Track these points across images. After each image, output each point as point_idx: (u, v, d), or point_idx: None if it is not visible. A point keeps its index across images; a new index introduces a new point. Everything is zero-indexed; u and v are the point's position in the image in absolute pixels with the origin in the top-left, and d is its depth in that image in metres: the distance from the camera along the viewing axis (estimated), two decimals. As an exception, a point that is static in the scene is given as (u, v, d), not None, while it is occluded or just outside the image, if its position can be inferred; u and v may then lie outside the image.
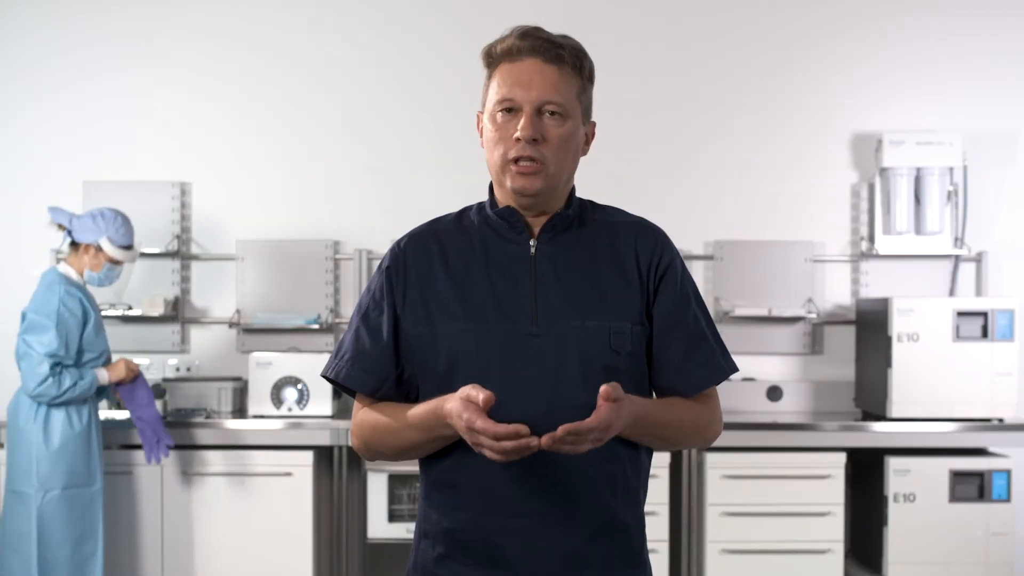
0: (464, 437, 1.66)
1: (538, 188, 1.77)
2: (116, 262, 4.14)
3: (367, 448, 1.84)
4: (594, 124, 1.88)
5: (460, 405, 1.64)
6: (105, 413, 4.28)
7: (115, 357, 4.25)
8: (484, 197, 1.88)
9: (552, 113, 1.76)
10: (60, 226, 4.11)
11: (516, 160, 1.76)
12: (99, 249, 4.09)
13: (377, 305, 1.83)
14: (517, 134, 1.75)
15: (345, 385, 1.84)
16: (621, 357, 1.77)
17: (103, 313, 4.52)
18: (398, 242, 1.88)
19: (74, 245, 4.11)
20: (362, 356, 1.82)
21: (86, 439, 3.97)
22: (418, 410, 1.75)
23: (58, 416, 3.93)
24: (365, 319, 1.84)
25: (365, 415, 1.82)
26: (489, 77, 1.82)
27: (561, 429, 1.59)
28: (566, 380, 1.71)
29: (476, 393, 1.62)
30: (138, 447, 4.27)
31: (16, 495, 3.94)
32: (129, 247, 4.16)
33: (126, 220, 4.18)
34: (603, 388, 1.62)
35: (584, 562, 1.75)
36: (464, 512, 1.76)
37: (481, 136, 1.84)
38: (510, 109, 1.77)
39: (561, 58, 1.78)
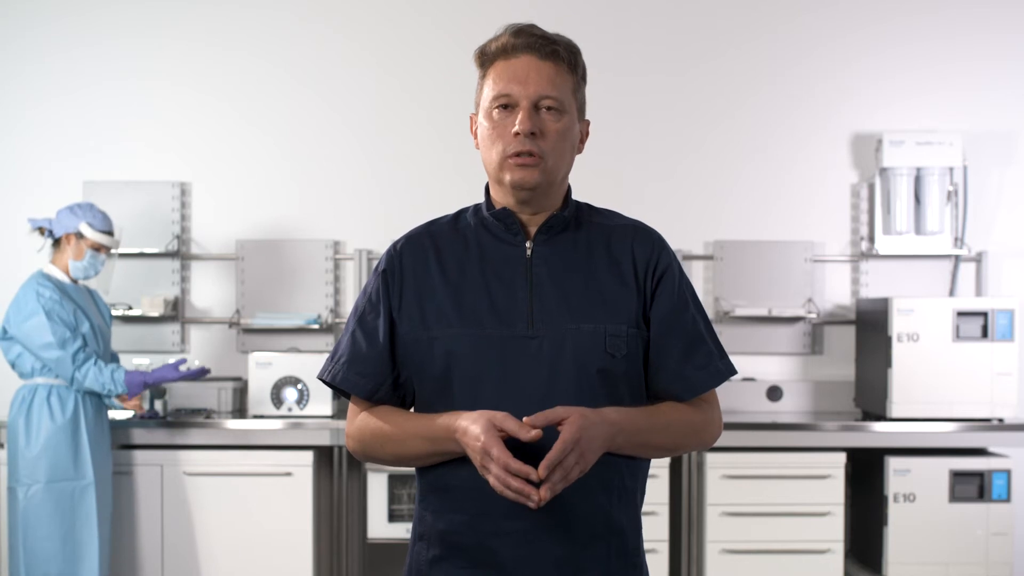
0: (472, 457, 1.65)
1: (536, 180, 1.77)
2: (98, 247, 4.12)
3: (364, 453, 1.83)
4: (588, 123, 1.88)
5: (481, 427, 1.63)
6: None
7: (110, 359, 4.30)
8: (483, 196, 1.87)
9: (549, 108, 1.76)
10: (40, 229, 4.13)
11: (515, 155, 1.75)
12: (80, 236, 4.09)
13: (373, 308, 1.83)
14: (516, 128, 1.74)
15: (341, 388, 1.83)
16: (616, 361, 1.76)
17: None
18: (394, 244, 1.87)
19: (56, 243, 4.12)
20: (358, 359, 1.81)
21: (70, 432, 3.97)
22: (427, 422, 1.74)
23: (40, 409, 3.95)
24: (361, 322, 1.83)
25: (366, 420, 1.81)
26: (483, 77, 1.81)
27: (540, 470, 1.59)
28: (561, 383, 1.71)
29: (518, 429, 1.61)
30: (139, 447, 4.31)
31: (10, 491, 3.98)
32: (109, 233, 4.16)
33: (102, 211, 4.20)
34: (526, 420, 1.62)
35: (580, 565, 1.74)
36: (459, 515, 1.75)
37: (475, 138, 1.84)
38: (506, 106, 1.77)
39: (556, 54, 1.78)
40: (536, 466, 1.60)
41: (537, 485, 1.60)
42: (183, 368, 4.18)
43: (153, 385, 4.15)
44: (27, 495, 3.91)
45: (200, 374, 4.23)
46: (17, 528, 3.92)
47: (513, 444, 1.63)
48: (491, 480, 1.62)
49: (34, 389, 3.99)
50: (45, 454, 3.92)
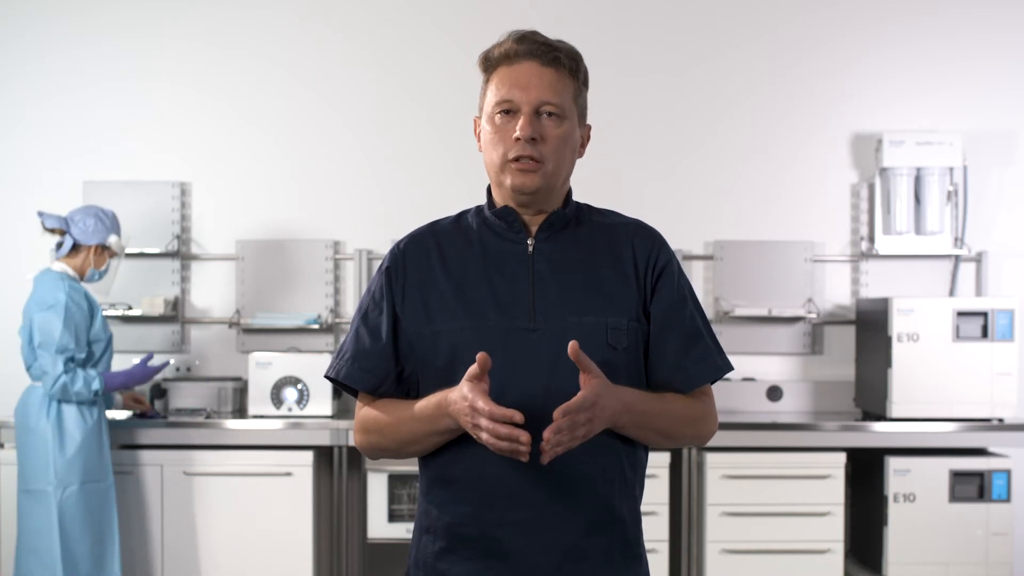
0: (464, 422, 1.69)
1: (537, 185, 1.81)
2: (113, 255, 4.22)
3: (369, 444, 1.87)
4: (589, 127, 1.92)
5: (466, 387, 1.68)
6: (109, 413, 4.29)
7: (116, 357, 4.31)
8: (483, 197, 1.92)
9: (550, 114, 1.81)
10: (57, 231, 4.13)
11: (516, 159, 1.80)
12: (105, 248, 4.15)
13: (376, 305, 1.87)
14: (516, 134, 1.79)
15: (346, 384, 1.87)
16: (618, 353, 1.80)
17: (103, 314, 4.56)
18: (398, 243, 1.92)
19: (74, 246, 4.13)
20: (362, 355, 1.85)
21: (98, 435, 4.01)
22: (421, 403, 1.78)
23: (71, 413, 3.97)
24: (365, 319, 1.87)
25: (368, 412, 1.86)
26: (486, 81, 1.86)
27: (555, 413, 1.63)
28: (562, 374, 1.73)
29: (474, 366, 1.66)
30: (139, 447, 4.32)
31: (32, 494, 3.95)
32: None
33: (117, 216, 4.28)
34: (572, 344, 1.65)
35: (582, 554, 1.78)
36: (464, 506, 1.79)
37: (479, 141, 1.88)
38: (508, 111, 1.81)
39: (558, 60, 1.82)
40: (532, 435, 1.64)
41: (533, 441, 1.64)
42: (153, 364, 4.24)
43: (123, 387, 4.21)
44: (63, 497, 3.91)
45: (163, 366, 4.32)
46: (51, 530, 3.90)
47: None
48: (484, 438, 1.66)
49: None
50: (79, 456, 3.94)
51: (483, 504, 1.77)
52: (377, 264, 4.80)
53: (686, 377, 1.84)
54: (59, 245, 4.14)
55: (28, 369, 4.05)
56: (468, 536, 1.79)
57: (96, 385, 3.97)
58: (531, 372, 1.76)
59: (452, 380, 1.76)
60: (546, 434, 1.63)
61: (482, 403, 1.65)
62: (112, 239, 4.16)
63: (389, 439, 1.84)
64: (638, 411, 1.76)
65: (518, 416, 1.63)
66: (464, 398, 1.68)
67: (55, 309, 3.94)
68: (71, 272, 4.11)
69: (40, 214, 4.15)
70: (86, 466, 3.95)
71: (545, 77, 1.80)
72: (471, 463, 1.77)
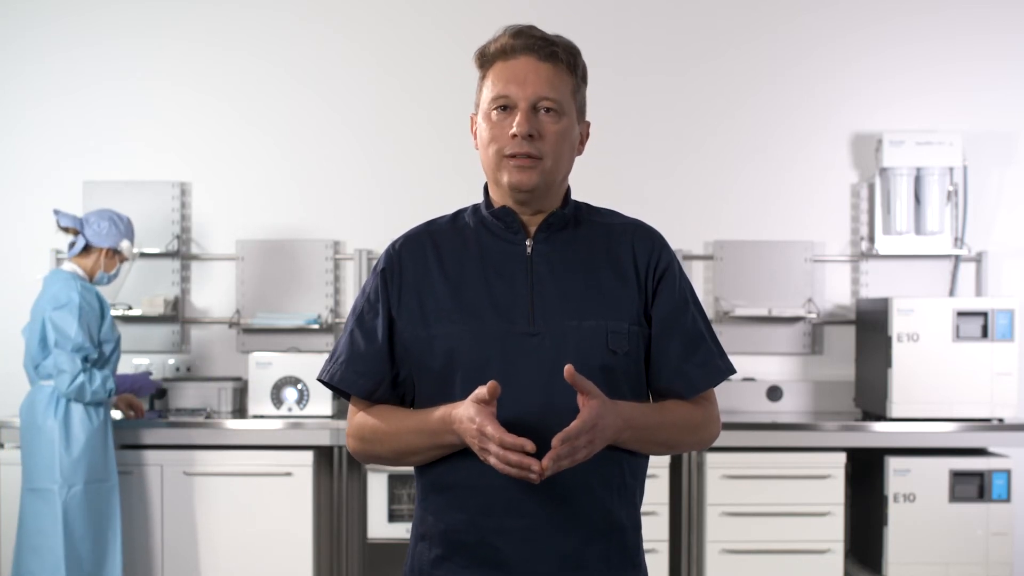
0: (470, 442, 1.66)
1: (535, 183, 1.77)
2: (124, 259, 4.26)
3: (364, 452, 1.83)
4: (588, 124, 1.88)
5: (473, 409, 1.64)
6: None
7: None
8: (482, 197, 1.87)
9: (547, 110, 1.76)
10: (71, 230, 4.14)
11: (512, 156, 1.75)
12: (116, 252, 4.18)
13: (372, 307, 1.83)
14: (513, 130, 1.74)
15: (340, 388, 1.83)
16: (618, 357, 1.76)
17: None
18: (393, 244, 1.87)
19: (85, 247, 4.14)
20: (356, 359, 1.81)
21: (103, 435, 4.03)
22: (424, 415, 1.74)
23: (78, 412, 3.98)
24: (360, 322, 1.83)
25: (364, 419, 1.81)
26: (483, 78, 1.81)
27: (554, 440, 1.60)
28: (562, 380, 1.68)
29: (482, 390, 1.63)
30: (139, 447, 4.32)
31: (36, 493, 3.95)
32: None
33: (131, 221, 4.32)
34: (567, 368, 1.62)
35: (581, 562, 1.74)
36: (461, 513, 1.75)
37: (475, 138, 1.84)
38: (505, 107, 1.77)
39: (555, 55, 1.78)
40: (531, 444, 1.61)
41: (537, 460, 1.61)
42: (154, 379, 4.55)
43: (129, 392, 4.38)
44: (68, 496, 3.92)
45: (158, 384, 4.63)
46: (55, 528, 3.90)
47: (511, 427, 1.64)
48: (492, 461, 1.63)
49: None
50: (85, 456, 3.95)
51: (481, 511, 1.73)
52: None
53: (688, 382, 1.81)
54: (71, 245, 4.15)
55: (35, 368, 4.05)
56: (465, 543, 1.75)
57: (111, 385, 4.00)
58: (530, 377, 1.72)
59: (449, 384, 1.73)
60: (545, 461, 1.59)
61: (491, 429, 1.61)
62: (124, 244, 4.18)
63: (387, 449, 1.79)
64: (639, 426, 1.73)
65: (529, 445, 1.59)
66: (472, 420, 1.63)
67: (69, 308, 3.96)
68: (81, 272, 4.12)
69: (56, 212, 4.16)
70: (91, 466, 3.97)
71: (542, 72, 1.76)
72: (470, 470, 1.71)
